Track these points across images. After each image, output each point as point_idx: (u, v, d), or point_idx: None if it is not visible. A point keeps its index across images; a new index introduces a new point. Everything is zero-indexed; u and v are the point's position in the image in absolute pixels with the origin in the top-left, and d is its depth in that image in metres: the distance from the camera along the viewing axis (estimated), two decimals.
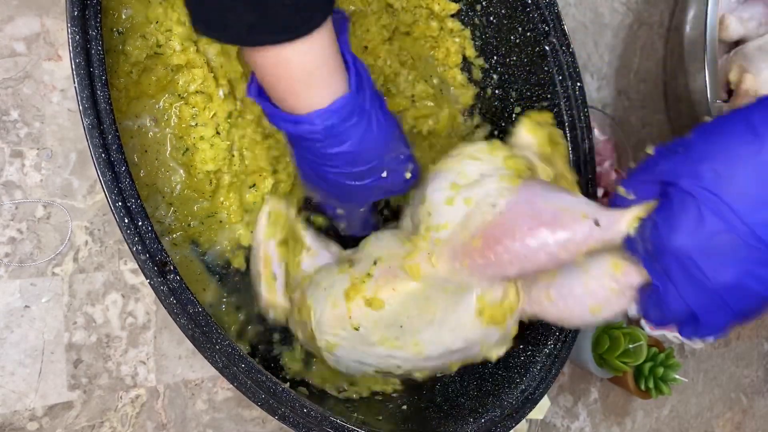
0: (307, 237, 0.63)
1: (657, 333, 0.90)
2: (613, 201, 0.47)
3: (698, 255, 0.40)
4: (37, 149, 0.56)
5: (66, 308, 0.56)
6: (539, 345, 0.64)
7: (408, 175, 0.56)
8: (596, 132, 0.86)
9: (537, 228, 0.47)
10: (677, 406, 1.00)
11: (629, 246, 0.45)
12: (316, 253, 0.61)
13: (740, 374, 1.09)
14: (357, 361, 0.57)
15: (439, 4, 0.70)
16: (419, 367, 0.57)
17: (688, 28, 0.86)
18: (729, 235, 0.38)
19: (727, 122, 0.41)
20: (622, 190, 0.46)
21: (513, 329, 0.56)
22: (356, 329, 0.57)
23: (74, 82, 0.44)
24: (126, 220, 0.45)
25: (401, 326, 0.57)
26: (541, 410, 0.74)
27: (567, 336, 0.64)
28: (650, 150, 0.44)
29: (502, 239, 0.48)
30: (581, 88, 0.67)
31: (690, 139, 0.42)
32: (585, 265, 0.49)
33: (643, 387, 0.84)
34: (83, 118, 0.44)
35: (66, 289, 0.56)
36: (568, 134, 0.67)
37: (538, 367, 0.63)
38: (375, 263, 0.56)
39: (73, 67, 0.44)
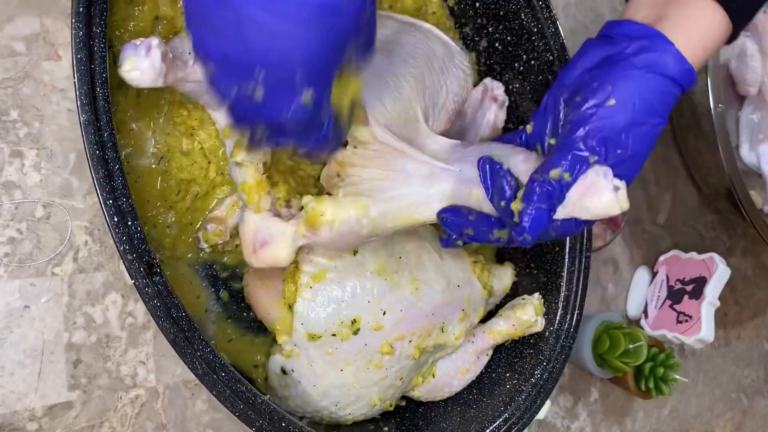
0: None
1: (657, 333, 0.90)
2: None
3: None
4: (37, 149, 0.55)
5: (66, 308, 0.56)
6: (526, 374, 0.64)
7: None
8: None
9: None
10: (677, 406, 1.00)
11: None
12: None
13: (740, 374, 1.09)
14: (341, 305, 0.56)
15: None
16: (412, 324, 0.58)
17: None
18: None
19: None
20: None
21: (482, 310, 0.65)
22: (354, 253, 0.57)
23: (74, 77, 0.44)
24: (116, 219, 0.45)
25: (399, 257, 0.58)
26: (541, 410, 0.74)
27: (554, 367, 0.64)
28: None
29: None
30: None
31: None
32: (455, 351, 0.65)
33: (643, 387, 0.84)
34: (80, 114, 0.44)
35: (66, 289, 0.56)
36: None
37: (524, 397, 0.63)
38: None
39: (74, 62, 0.44)
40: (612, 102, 0.50)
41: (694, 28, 0.52)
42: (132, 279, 0.46)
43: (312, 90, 0.40)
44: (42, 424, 0.55)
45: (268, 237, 0.53)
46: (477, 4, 0.70)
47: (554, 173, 0.49)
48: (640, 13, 0.54)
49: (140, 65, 0.47)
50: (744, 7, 0.53)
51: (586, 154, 0.49)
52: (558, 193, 0.48)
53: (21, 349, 0.55)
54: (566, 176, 0.49)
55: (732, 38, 0.54)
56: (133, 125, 0.55)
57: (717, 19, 0.52)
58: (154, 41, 0.47)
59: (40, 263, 0.55)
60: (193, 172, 0.58)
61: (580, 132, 0.50)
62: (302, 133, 0.43)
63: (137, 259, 0.46)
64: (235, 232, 0.59)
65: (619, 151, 0.50)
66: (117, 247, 0.45)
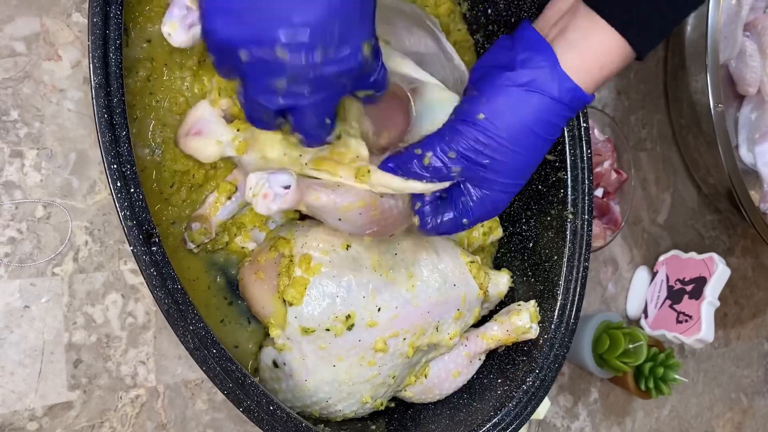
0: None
1: (657, 333, 0.90)
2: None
3: None
4: (37, 149, 0.56)
5: (66, 308, 0.56)
6: (517, 381, 0.64)
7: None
8: (596, 132, 0.86)
9: None
10: (677, 406, 1.01)
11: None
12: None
13: (740, 374, 1.09)
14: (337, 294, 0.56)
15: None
16: (407, 321, 0.58)
17: (689, 28, 0.86)
18: None
19: None
20: None
21: (477, 311, 0.65)
22: (347, 247, 0.57)
23: (88, 40, 0.44)
24: (119, 184, 0.45)
25: (395, 254, 0.57)
26: (540, 410, 0.74)
27: (546, 375, 0.64)
28: None
29: None
30: (587, 129, 0.67)
31: None
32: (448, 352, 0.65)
33: (643, 387, 0.84)
34: (92, 77, 0.44)
35: (66, 289, 0.56)
36: (569, 173, 0.67)
37: (514, 403, 0.63)
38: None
39: (90, 25, 0.44)
40: (481, 116, 0.49)
41: (590, 47, 0.50)
42: (130, 246, 0.45)
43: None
44: (42, 424, 0.55)
45: (205, 130, 0.54)
46: (489, 11, 0.69)
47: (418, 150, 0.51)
48: (548, 24, 0.53)
49: (177, 37, 0.46)
50: (642, 33, 0.50)
51: (440, 164, 0.50)
52: (408, 160, 0.51)
53: (21, 349, 0.55)
54: (427, 160, 0.50)
55: (639, 58, 0.52)
56: (137, 113, 0.55)
57: (615, 40, 0.50)
58: (195, 15, 0.46)
59: (40, 263, 0.55)
60: (188, 164, 0.57)
61: (444, 138, 0.50)
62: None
63: (137, 226, 0.45)
64: (221, 230, 0.59)
65: (485, 161, 0.49)
66: (118, 212, 0.45)
